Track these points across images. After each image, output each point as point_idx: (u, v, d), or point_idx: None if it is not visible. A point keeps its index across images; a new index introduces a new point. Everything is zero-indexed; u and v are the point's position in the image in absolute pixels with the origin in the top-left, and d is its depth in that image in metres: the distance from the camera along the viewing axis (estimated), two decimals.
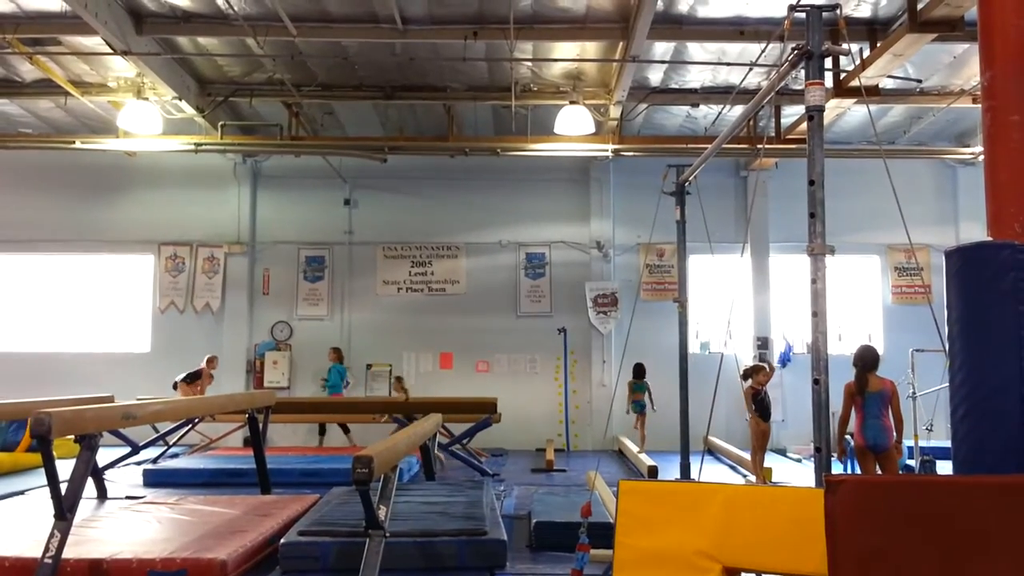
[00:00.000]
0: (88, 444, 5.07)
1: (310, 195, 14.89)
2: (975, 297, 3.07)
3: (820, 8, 4.00)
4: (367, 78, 11.95)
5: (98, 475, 8.83)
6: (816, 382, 3.63)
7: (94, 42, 10.31)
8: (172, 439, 11.87)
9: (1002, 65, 3.15)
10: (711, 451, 13.16)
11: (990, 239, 3.15)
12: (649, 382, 13.22)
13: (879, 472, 6.55)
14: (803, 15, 3.86)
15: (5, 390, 11.97)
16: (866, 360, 6.73)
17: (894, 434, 6.57)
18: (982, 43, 3.29)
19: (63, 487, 4.84)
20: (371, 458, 4.56)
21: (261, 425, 8.47)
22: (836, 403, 6.22)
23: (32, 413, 4.63)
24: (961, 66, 11.19)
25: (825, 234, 3.72)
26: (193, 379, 12.87)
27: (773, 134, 12.90)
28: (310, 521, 6.01)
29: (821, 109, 3.66)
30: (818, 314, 3.53)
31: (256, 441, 8.31)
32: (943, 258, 11.62)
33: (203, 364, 13.14)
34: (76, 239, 14.70)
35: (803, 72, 4.73)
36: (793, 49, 3.92)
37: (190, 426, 11.54)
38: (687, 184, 7.96)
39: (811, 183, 3.63)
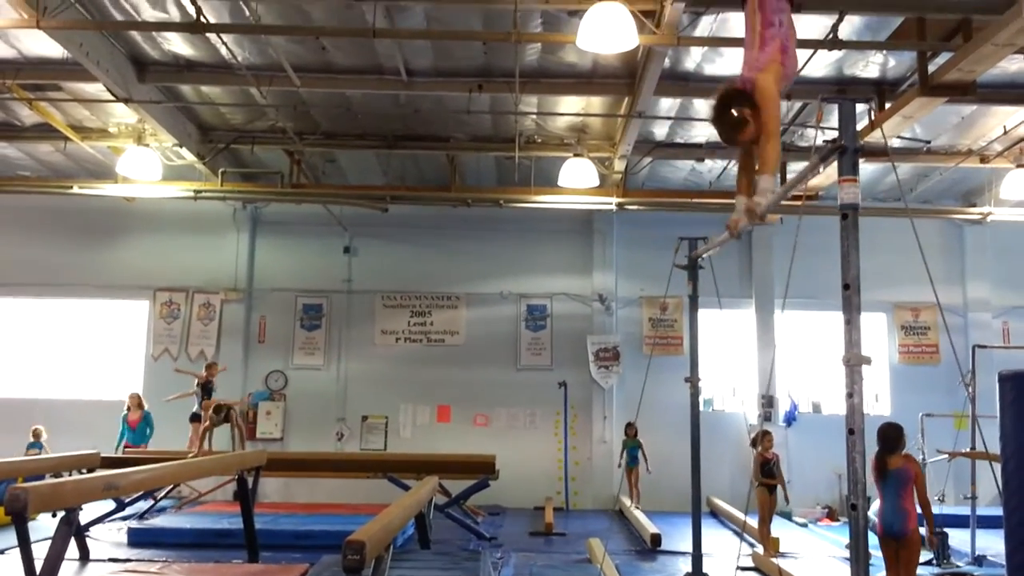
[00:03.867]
0: (67, 519, 4.81)
1: (309, 242, 14.72)
2: None
3: (854, 101, 3.82)
4: (370, 127, 11.85)
5: (80, 535, 8.52)
6: (854, 507, 3.32)
7: (96, 88, 10.19)
8: (159, 494, 11.53)
9: None
10: (714, 513, 12.86)
11: None
12: (648, 439, 12.91)
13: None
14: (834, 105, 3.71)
15: None
16: (888, 441, 6.29)
17: (915, 518, 6.15)
18: None
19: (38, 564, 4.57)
20: (363, 544, 4.30)
21: (251, 485, 8.19)
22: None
23: (8, 489, 4.39)
24: (969, 126, 11.11)
25: (861, 343, 3.48)
26: (195, 419, 12.27)
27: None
28: None
29: (856, 207, 3.45)
30: (855, 431, 3.29)
31: (245, 503, 8.00)
32: (954, 318, 11.42)
33: (202, 373, 12.42)
34: (71, 283, 14.47)
35: (811, 122, 4.56)
36: (826, 142, 3.73)
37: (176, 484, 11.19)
38: (699, 259, 7.76)
39: (846, 287, 3.41)
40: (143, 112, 10.44)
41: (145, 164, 11.62)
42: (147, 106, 10.33)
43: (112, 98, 9.99)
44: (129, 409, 12.88)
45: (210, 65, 9.98)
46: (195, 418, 12.05)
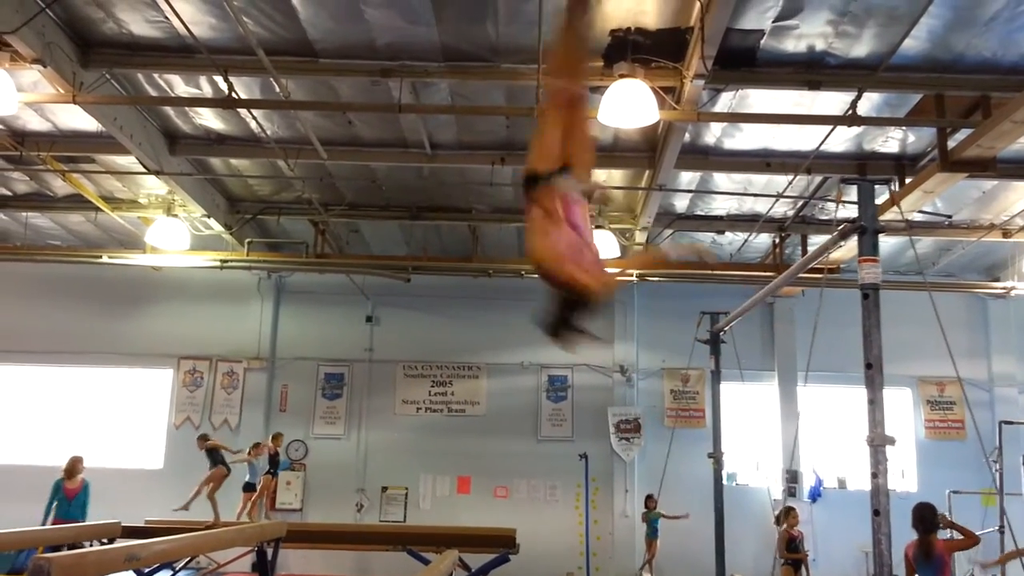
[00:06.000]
0: None
1: (332, 311, 14.83)
2: None
3: (872, 181, 3.88)
4: (393, 198, 12.04)
5: None
6: None
7: (128, 161, 10.47)
8: (178, 566, 11.41)
9: None
10: None
11: None
12: (670, 512, 12.74)
13: None
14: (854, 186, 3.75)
15: (17, 505, 11.72)
16: (926, 523, 6.08)
17: None
18: None
19: None
20: None
21: (271, 557, 8.13)
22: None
23: (32, 560, 4.38)
24: (991, 200, 11.13)
25: (885, 423, 3.47)
26: (250, 488, 12.25)
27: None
28: None
29: (876, 287, 3.48)
30: (880, 512, 3.25)
31: (264, 575, 7.94)
32: (980, 393, 11.28)
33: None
34: (97, 351, 14.60)
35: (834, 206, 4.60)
36: (846, 222, 3.78)
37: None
38: (721, 332, 7.76)
39: (868, 366, 3.42)
40: (173, 184, 10.69)
41: (173, 234, 11.83)
42: (177, 178, 10.58)
43: (144, 170, 10.25)
44: (66, 475, 11.38)
45: (240, 138, 10.23)
46: (249, 488, 12.06)
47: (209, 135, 10.27)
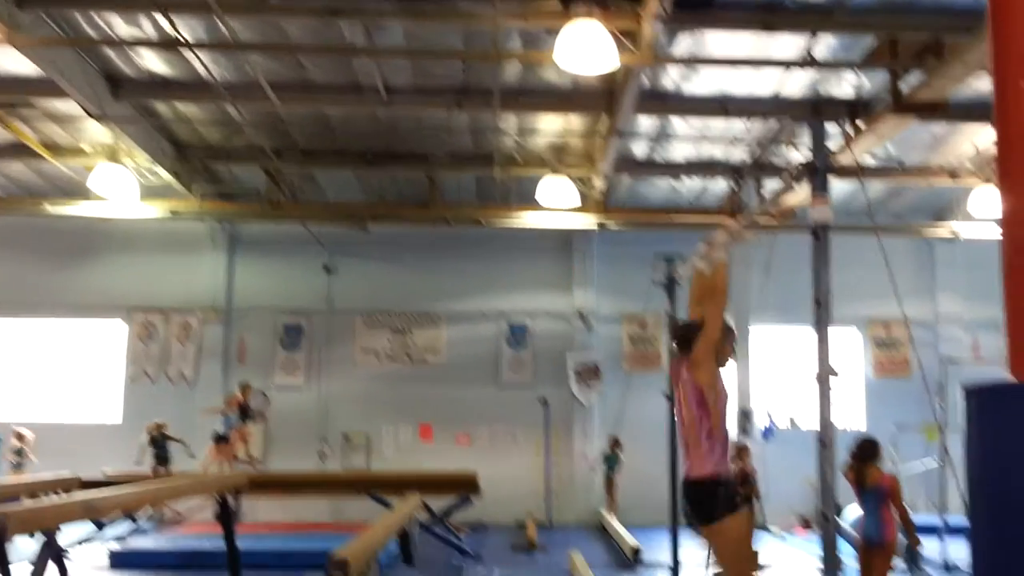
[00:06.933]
0: (48, 542, 4.75)
1: (289, 262, 14.67)
2: (998, 444, 2.87)
3: (825, 122, 3.89)
4: (348, 145, 11.84)
5: (60, 557, 8.37)
6: (825, 516, 3.37)
7: (69, 106, 10.12)
8: (140, 516, 11.39)
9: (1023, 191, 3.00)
10: (692, 525, 12.89)
11: (1014, 381, 2.97)
12: (628, 454, 12.99)
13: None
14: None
15: None
16: (864, 452, 6.45)
17: (893, 528, 6.28)
18: (1001, 167, 3.13)
19: None
20: (346, 561, 4.28)
21: (233, 506, 8.11)
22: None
23: None
24: (940, 145, 11.30)
25: (829, 356, 3.54)
26: (221, 440, 12.38)
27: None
28: None
29: (827, 226, 3.51)
30: (826, 444, 3.32)
31: (227, 524, 7.91)
32: (925, 332, 11.50)
33: (236, 395, 12.60)
34: (45, 304, 14.32)
35: (784, 141, 4.62)
36: (800, 165, 3.80)
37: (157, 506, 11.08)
38: (678, 277, 7.82)
39: (817, 304, 3.47)
40: (117, 130, 10.36)
41: (120, 182, 11.51)
42: (121, 124, 10.25)
43: (86, 115, 9.92)
44: None
45: (186, 83, 9.92)
46: (220, 439, 12.15)
47: (153, 79, 9.94)
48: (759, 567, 9.39)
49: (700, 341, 4.16)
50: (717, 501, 4.10)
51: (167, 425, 12.99)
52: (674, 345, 4.39)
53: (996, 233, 3.12)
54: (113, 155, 11.48)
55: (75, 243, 14.34)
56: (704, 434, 4.23)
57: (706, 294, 4.33)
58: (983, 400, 2.94)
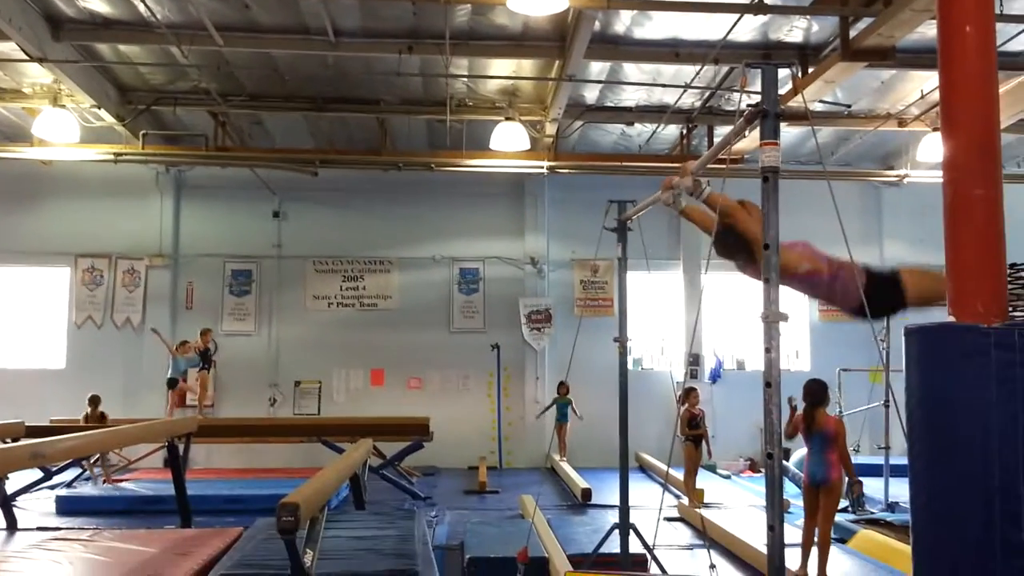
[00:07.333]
0: None
1: (237, 207, 14.46)
2: (937, 383, 2.97)
3: (776, 65, 3.92)
4: (297, 89, 11.63)
5: (7, 504, 8.34)
6: (770, 456, 3.50)
7: (8, 47, 9.75)
8: (87, 463, 11.31)
9: (966, 135, 3.08)
10: (642, 468, 13.21)
11: (952, 320, 3.07)
12: (579, 398, 13.17)
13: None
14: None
15: None
16: (814, 396, 6.68)
17: (839, 470, 6.55)
18: (944, 112, 3.21)
19: None
20: (297, 505, 4.33)
21: (182, 452, 8.12)
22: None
23: None
24: (888, 91, 11.44)
25: (780, 300, 3.62)
26: (173, 385, 12.65)
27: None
28: (232, 562, 5.72)
29: (776, 170, 3.56)
30: (772, 384, 3.42)
31: (176, 470, 7.94)
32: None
33: (197, 341, 12.77)
34: None
35: (736, 89, 4.67)
36: (750, 107, 3.82)
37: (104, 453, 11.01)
38: (628, 221, 7.85)
39: (766, 247, 3.53)
40: (59, 72, 10.04)
41: (62, 126, 11.21)
42: (63, 66, 9.94)
43: (25, 57, 9.60)
44: None
45: (128, 23, 9.62)
46: (172, 384, 12.21)
47: (95, 19, 9.63)
48: (702, 503, 9.71)
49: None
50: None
51: (210, 332, 13.33)
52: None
53: (941, 179, 3.20)
54: (55, 98, 11.14)
55: (18, 189, 13.94)
56: None
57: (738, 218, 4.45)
58: (923, 340, 3.03)
